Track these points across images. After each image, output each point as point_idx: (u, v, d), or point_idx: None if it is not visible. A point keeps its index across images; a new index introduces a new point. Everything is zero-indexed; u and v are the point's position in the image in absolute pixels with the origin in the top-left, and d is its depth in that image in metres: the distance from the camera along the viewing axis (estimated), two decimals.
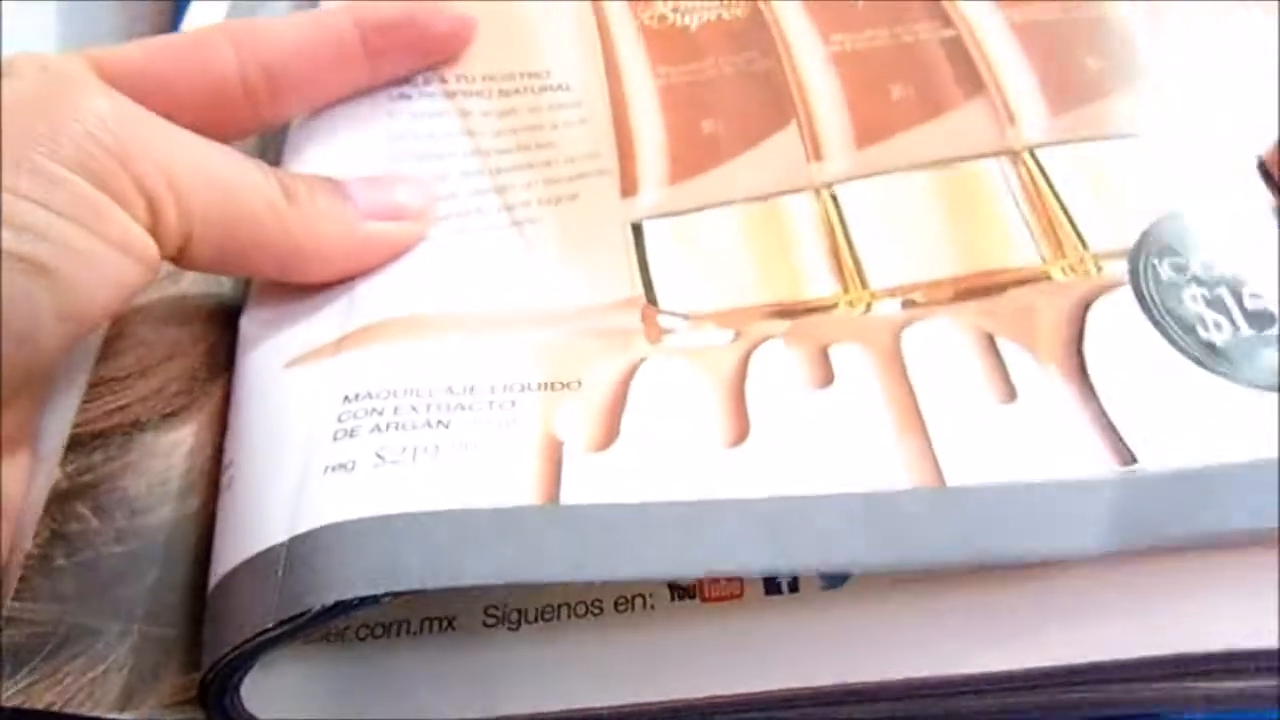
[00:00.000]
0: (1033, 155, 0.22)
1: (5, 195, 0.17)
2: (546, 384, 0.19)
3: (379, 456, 0.18)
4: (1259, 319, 0.19)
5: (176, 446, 0.20)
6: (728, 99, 0.24)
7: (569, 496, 0.17)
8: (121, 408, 0.21)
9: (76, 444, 0.20)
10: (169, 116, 0.20)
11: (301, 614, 0.16)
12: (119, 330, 0.22)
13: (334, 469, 0.18)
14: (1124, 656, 0.17)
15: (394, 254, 0.22)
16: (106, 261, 0.19)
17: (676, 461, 0.18)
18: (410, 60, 0.25)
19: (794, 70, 0.24)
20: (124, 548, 0.19)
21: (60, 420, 0.20)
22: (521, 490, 0.17)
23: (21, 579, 0.18)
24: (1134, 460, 0.17)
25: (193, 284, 0.23)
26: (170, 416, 0.21)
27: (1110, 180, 0.22)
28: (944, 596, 0.18)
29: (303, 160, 0.24)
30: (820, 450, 0.18)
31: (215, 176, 0.20)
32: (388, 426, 0.19)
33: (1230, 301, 0.20)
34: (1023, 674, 0.17)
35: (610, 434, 0.18)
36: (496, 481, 0.18)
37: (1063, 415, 0.18)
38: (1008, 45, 0.25)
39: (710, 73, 0.25)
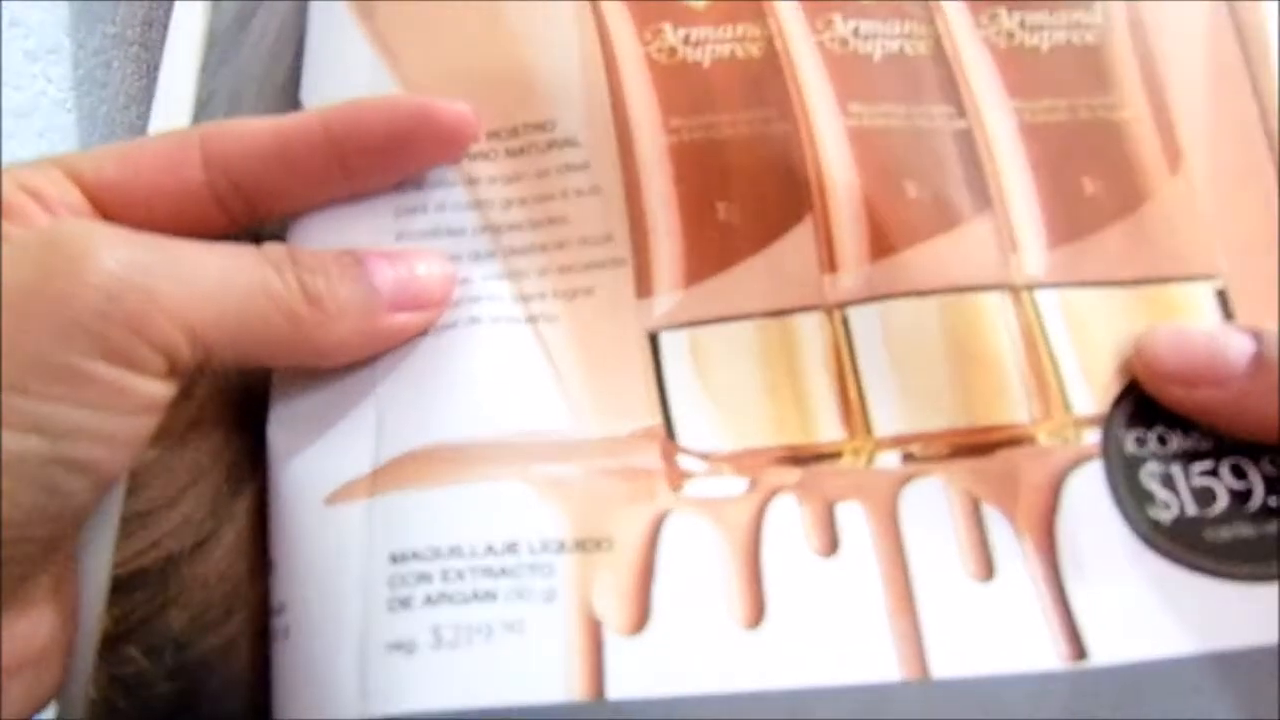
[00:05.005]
0: (1031, 295, 0.23)
1: (34, 401, 0.17)
2: (579, 542, 0.21)
3: (436, 636, 0.20)
4: (1202, 496, 0.22)
5: (210, 574, 0.21)
6: (743, 174, 0.24)
7: (613, 690, 0.20)
8: (154, 543, 0.21)
9: (118, 586, 0.21)
10: (146, 227, 0.20)
11: None
12: (140, 459, 0.21)
13: (394, 647, 0.20)
14: None
15: (414, 336, 0.22)
16: (133, 427, 0.19)
17: (702, 648, 0.20)
18: (397, 175, 0.23)
19: (811, 144, 0.24)
20: (174, 685, 0.20)
21: (99, 562, 0.21)
22: (571, 684, 0.19)
23: None
24: (1085, 655, 0.21)
25: (208, 395, 0.22)
26: (201, 545, 0.21)
27: (1093, 335, 0.23)
28: None
29: (307, 235, 0.22)
30: (824, 635, 0.20)
31: (231, 305, 0.19)
32: (439, 597, 0.20)
33: (1180, 479, 0.22)
34: None
35: (642, 612, 0.20)
36: (547, 674, 0.20)
37: (1029, 599, 0.21)
38: (1014, 154, 0.24)
39: (726, 131, 0.24)
